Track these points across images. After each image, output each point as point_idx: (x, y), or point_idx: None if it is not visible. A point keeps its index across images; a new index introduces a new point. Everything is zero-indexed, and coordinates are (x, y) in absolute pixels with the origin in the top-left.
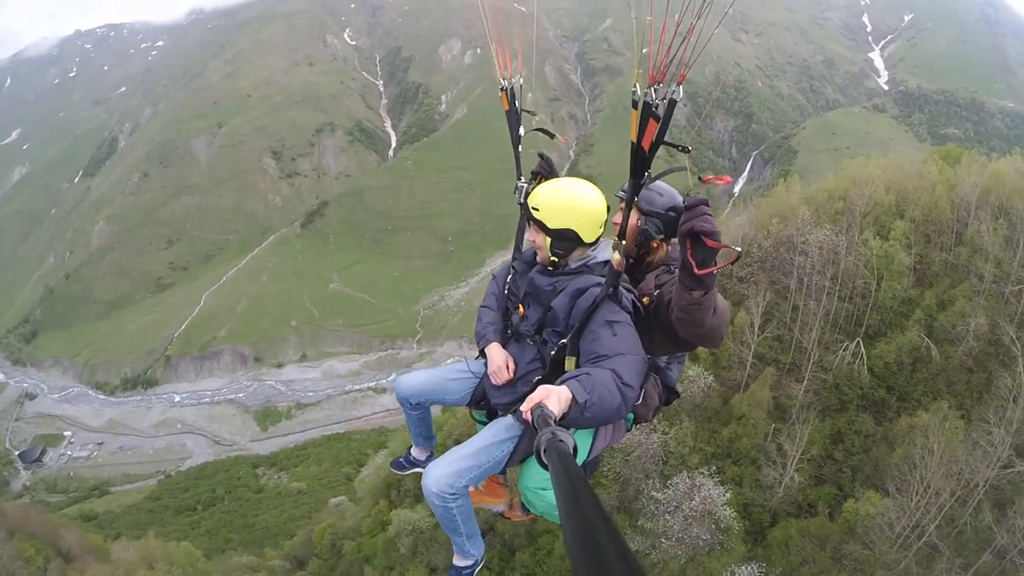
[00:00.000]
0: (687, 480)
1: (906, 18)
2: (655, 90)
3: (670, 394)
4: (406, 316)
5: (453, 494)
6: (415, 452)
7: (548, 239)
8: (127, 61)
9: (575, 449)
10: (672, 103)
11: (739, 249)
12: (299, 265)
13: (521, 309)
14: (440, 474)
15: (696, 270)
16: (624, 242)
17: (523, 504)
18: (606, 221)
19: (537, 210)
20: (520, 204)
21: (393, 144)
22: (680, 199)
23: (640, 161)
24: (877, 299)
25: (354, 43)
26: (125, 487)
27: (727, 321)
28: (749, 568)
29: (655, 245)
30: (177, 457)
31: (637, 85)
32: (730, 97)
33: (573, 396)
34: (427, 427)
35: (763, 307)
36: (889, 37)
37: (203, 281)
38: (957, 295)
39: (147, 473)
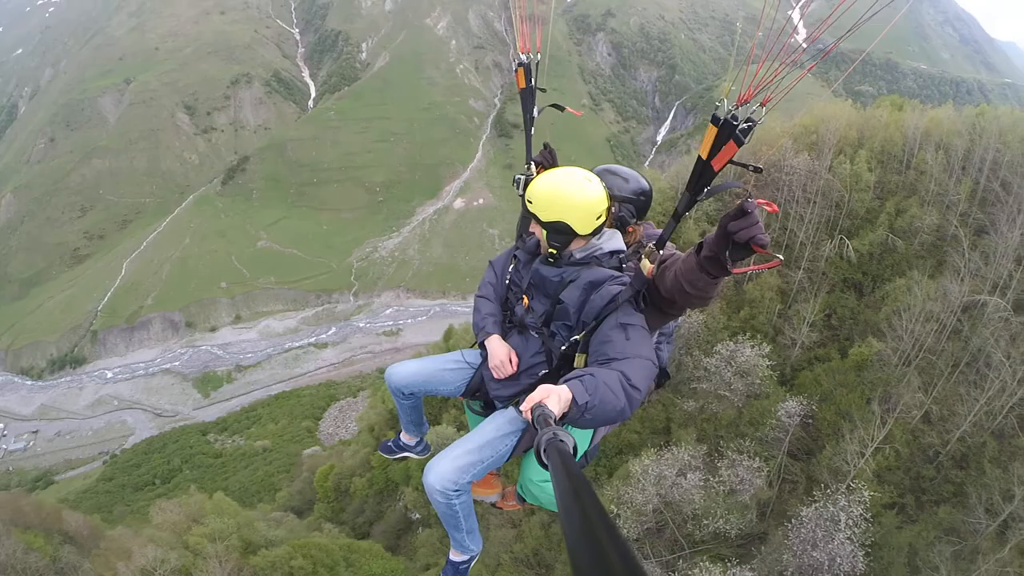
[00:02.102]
0: (728, 346)
1: None
2: (740, 109)
3: (661, 376)
4: (340, 269)
5: (456, 490)
6: (405, 437)
7: (544, 231)
8: (22, 20)
9: (575, 448)
10: (753, 125)
11: (780, 257)
12: (223, 224)
13: (526, 300)
14: (444, 470)
15: (730, 268)
16: (662, 252)
17: (517, 493)
18: (607, 210)
19: (531, 203)
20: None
21: (313, 94)
22: (645, 182)
23: (707, 179)
24: (850, 208)
25: None
26: (69, 474)
27: None
28: (795, 400)
29: (630, 229)
30: (119, 435)
31: (725, 101)
32: (654, 48)
33: (573, 397)
34: (418, 415)
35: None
36: None
37: (122, 249)
38: (911, 204)
39: (90, 457)
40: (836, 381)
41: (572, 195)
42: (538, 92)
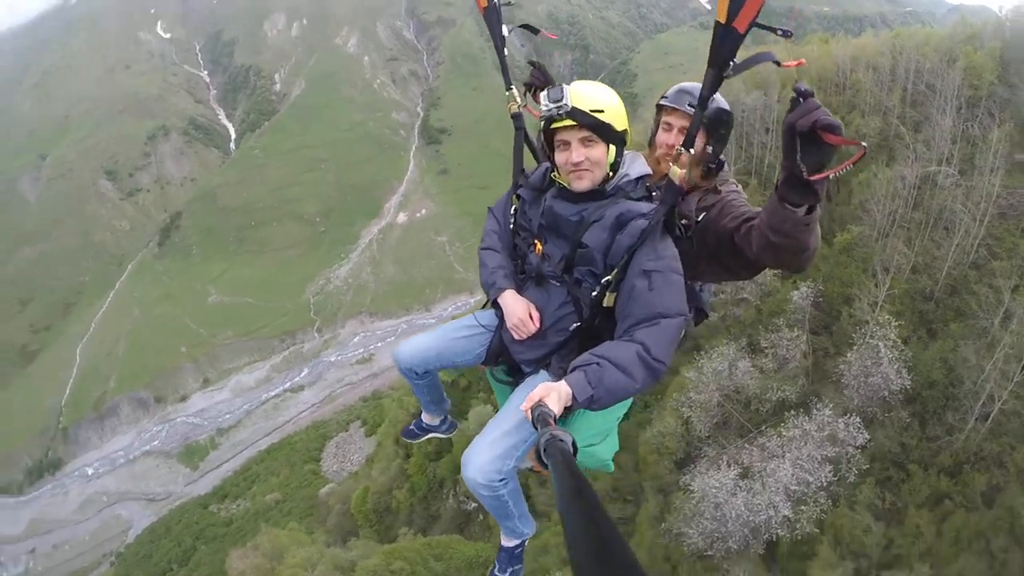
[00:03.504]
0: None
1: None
2: None
3: (699, 315)
4: (297, 308)
5: (502, 479)
6: (427, 418)
7: (612, 148)
8: None
9: (575, 447)
10: None
11: (864, 144)
12: (168, 287)
13: (538, 246)
14: (484, 462)
15: (807, 175)
16: (693, 151)
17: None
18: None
19: (601, 112)
20: (520, 113)
21: (233, 136)
22: (725, 102)
23: (730, 47)
24: None
25: (168, 36)
26: None
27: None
28: (804, 286)
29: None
30: (118, 532)
31: None
32: (565, 32)
33: (573, 394)
34: (437, 392)
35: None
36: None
37: (71, 335)
38: (854, 116)
39: (95, 561)
40: (832, 263)
41: (620, 104)
42: (503, 9)
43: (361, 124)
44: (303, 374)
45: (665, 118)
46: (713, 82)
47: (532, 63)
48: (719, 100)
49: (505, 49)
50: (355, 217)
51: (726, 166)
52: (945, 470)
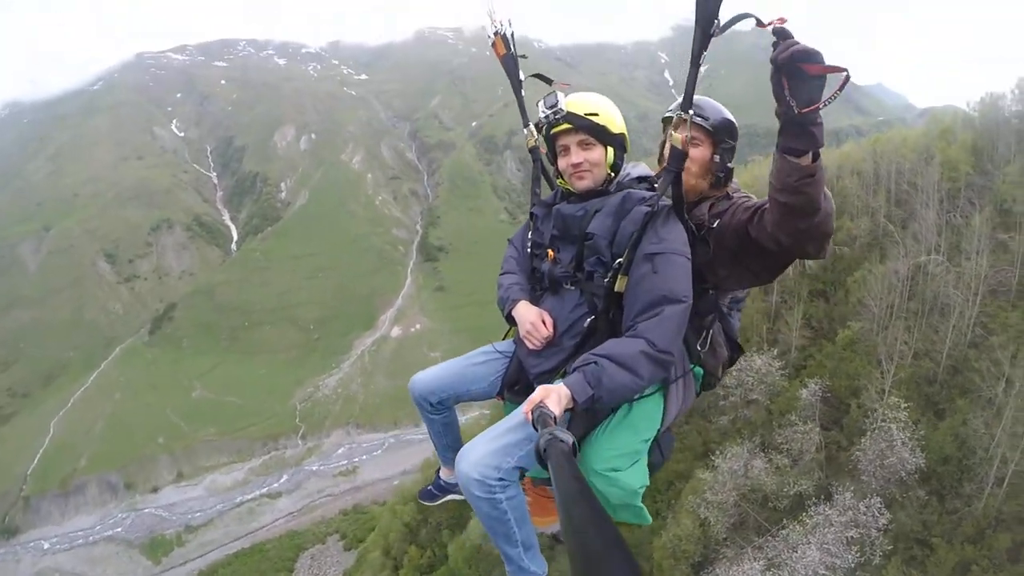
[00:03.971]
0: (738, 364)
1: (702, 69)
2: None
3: (733, 349)
4: (283, 413)
5: (500, 479)
6: (445, 473)
7: (610, 150)
8: None
9: (575, 448)
10: None
11: (845, 69)
12: (154, 376)
13: (551, 254)
14: (480, 454)
15: (799, 109)
16: (691, 113)
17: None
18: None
19: (596, 115)
20: (537, 147)
21: (235, 237)
22: (726, 111)
23: (714, 2)
24: None
25: (183, 134)
26: None
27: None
28: (812, 383)
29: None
30: None
31: None
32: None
33: (572, 395)
34: (455, 436)
35: None
36: None
37: (49, 406)
38: (843, 221)
39: None
40: (837, 359)
41: (615, 108)
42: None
43: (363, 237)
44: (282, 480)
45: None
46: (701, 40)
47: (540, 77)
48: (723, 111)
49: (523, 91)
50: (350, 327)
51: (734, 178)
52: (968, 539)
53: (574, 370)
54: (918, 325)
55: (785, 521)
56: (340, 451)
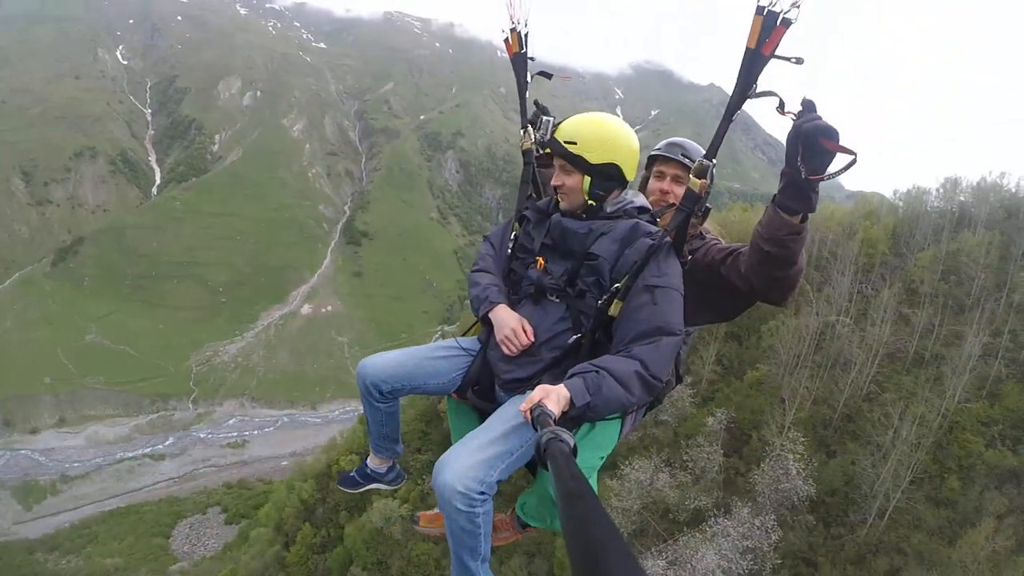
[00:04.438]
0: None
1: (652, 112)
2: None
3: (678, 379)
4: (177, 373)
5: (482, 493)
6: (373, 462)
7: (587, 179)
8: None
9: (575, 449)
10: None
11: (855, 153)
12: (50, 310)
13: (541, 262)
14: (465, 467)
15: (806, 175)
16: (715, 162)
17: (517, 517)
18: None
19: (574, 144)
20: (531, 149)
21: (158, 181)
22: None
23: (756, 70)
24: None
25: (126, 62)
26: None
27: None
28: (719, 412)
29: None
30: None
31: None
32: (499, 168)
33: (571, 398)
34: (395, 426)
35: None
36: (638, 127)
37: None
38: None
39: None
40: (743, 395)
41: (622, 135)
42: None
43: (288, 208)
44: (167, 442)
45: (658, 167)
46: (739, 98)
47: (536, 104)
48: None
49: (528, 92)
50: (259, 297)
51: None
52: (850, 560)
53: (573, 375)
54: (820, 375)
55: (685, 530)
56: (231, 422)
